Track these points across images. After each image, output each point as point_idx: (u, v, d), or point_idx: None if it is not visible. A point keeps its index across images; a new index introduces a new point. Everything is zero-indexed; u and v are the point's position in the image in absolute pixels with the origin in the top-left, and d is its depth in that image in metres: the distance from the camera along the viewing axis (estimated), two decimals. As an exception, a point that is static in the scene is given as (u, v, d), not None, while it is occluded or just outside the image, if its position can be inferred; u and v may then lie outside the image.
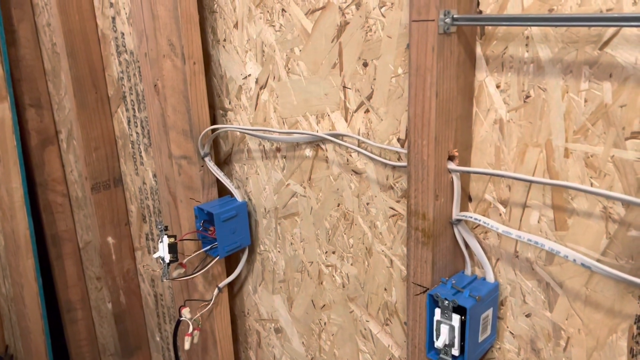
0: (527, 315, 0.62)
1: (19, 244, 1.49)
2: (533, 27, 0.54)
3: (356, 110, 0.72)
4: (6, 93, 1.38)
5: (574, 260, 0.51)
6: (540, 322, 0.61)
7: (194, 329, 0.92)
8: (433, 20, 0.53)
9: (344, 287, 0.83)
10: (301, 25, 0.76)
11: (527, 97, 0.56)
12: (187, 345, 0.90)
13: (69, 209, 1.55)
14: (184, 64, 0.84)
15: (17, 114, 1.42)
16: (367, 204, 0.75)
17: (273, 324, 1.00)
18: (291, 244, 0.90)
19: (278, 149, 0.86)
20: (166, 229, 0.85)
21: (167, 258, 0.83)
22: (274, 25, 0.80)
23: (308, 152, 0.81)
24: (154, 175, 1.17)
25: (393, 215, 0.72)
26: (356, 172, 0.75)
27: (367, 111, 0.71)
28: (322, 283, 0.86)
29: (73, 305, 1.61)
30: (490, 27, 0.57)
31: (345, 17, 0.70)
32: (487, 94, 0.59)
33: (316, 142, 0.80)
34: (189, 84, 0.84)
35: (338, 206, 0.80)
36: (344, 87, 0.73)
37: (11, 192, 1.44)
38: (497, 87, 0.58)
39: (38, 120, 1.46)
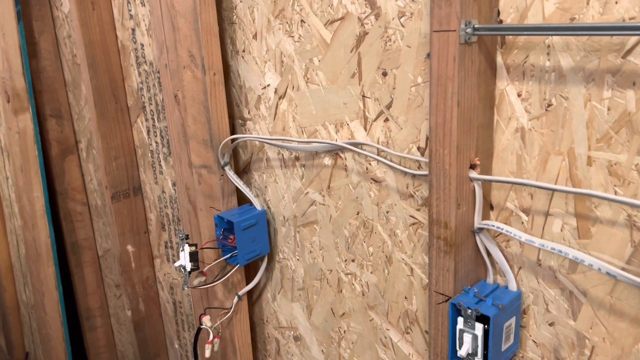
0: (551, 324, 0.62)
1: (39, 252, 1.51)
2: (554, 36, 0.54)
3: (375, 119, 0.73)
4: (28, 104, 1.41)
5: (599, 269, 0.51)
6: (564, 330, 0.61)
7: (214, 337, 0.92)
8: (454, 30, 0.53)
9: (363, 295, 0.83)
10: (320, 36, 0.77)
11: (549, 105, 0.56)
12: (207, 353, 0.91)
13: (88, 217, 1.58)
14: (204, 75, 0.85)
15: (38, 124, 1.44)
16: (387, 212, 0.75)
17: (292, 332, 1.00)
18: (310, 252, 0.90)
19: (297, 158, 0.87)
20: (187, 237, 0.86)
21: (188, 266, 0.84)
22: (293, 36, 0.81)
23: (327, 160, 0.82)
24: (173, 184, 1.18)
25: (413, 224, 0.72)
26: (376, 181, 0.76)
27: (386, 120, 0.71)
28: (341, 291, 0.87)
29: (92, 312, 1.63)
30: (511, 37, 0.57)
31: (364, 27, 0.70)
32: (509, 102, 0.59)
33: (335, 151, 0.80)
34: (209, 94, 0.86)
35: (357, 214, 0.80)
36: (363, 96, 0.73)
37: (32, 201, 1.46)
38: (519, 95, 0.58)
39: (58, 131, 1.49)
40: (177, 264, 0.85)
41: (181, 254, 0.85)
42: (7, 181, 1.80)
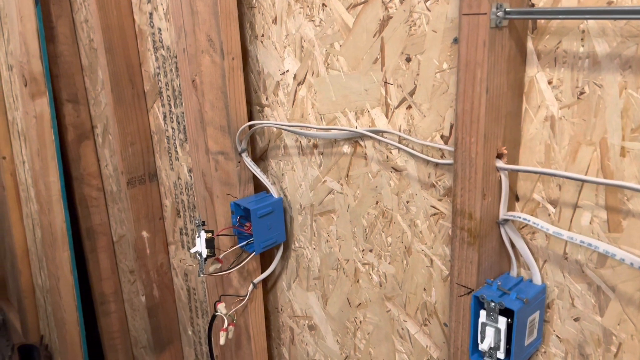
0: (576, 319, 0.60)
1: (55, 237, 1.52)
2: (590, 21, 0.52)
3: (398, 107, 0.71)
4: (45, 88, 1.41)
5: (632, 263, 0.49)
6: (590, 326, 0.59)
7: (228, 325, 0.92)
8: (485, 13, 0.51)
9: (381, 285, 0.82)
10: (342, 20, 0.75)
11: (581, 93, 0.54)
12: (222, 341, 0.91)
13: (103, 202, 1.58)
14: (223, 60, 0.84)
15: (55, 109, 1.44)
16: (407, 202, 0.74)
17: (307, 321, 0.99)
18: (327, 241, 0.89)
19: (315, 146, 0.86)
20: (203, 224, 0.85)
21: (205, 253, 0.83)
22: (313, 20, 0.79)
23: (346, 148, 0.80)
24: (189, 171, 1.17)
25: (434, 214, 0.71)
26: (396, 170, 0.74)
27: (409, 107, 0.70)
28: (358, 281, 0.85)
29: (107, 298, 1.64)
30: (543, 21, 0.55)
31: (388, 11, 0.68)
32: (538, 90, 0.57)
33: (355, 139, 0.79)
34: (227, 79, 0.84)
35: (376, 204, 0.78)
36: (386, 82, 0.72)
37: (49, 186, 1.47)
38: (549, 83, 0.56)
39: (75, 115, 1.48)
40: (193, 250, 0.85)
41: (197, 240, 0.84)
42: (24, 165, 1.81)
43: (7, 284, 2.42)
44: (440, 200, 0.70)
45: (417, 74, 0.67)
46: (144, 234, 1.32)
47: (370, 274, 0.83)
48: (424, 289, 0.75)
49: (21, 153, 1.82)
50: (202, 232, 0.84)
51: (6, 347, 2.20)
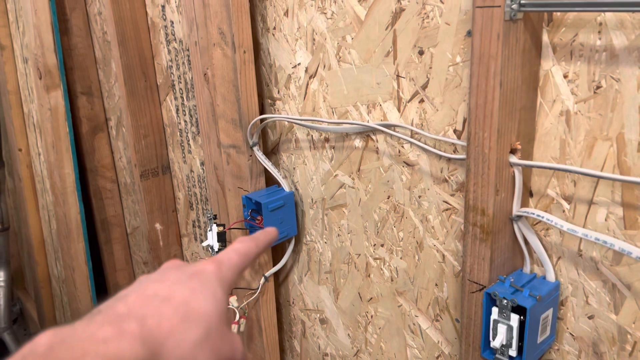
0: (590, 317, 0.59)
1: (70, 228, 1.53)
2: (607, 13, 0.50)
3: (410, 100, 0.70)
4: (59, 81, 1.41)
5: (648, 262, 0.48)
6: (604, 324, 0.58)
7: (240, 317, 0.92)
8: (499, 6, 0.50)
9: (392, 280, 0.81)
10: (354, 13, 0.74)
11: (598, 87, 0.53)
12: (233, 333, 0.91)
13: (117, 194, 1.59)
14: (234, 53, 0.83)
15: (69, 101, 1.45)
16: (419, 197, 0.73)
17: (318, 315, 0.99)
18: (338, 235, 0.89)
19: (327, 139, 0.85)
20: (215, 217, 0.85)
21: (216, 247, 0.83)
22: (325, 13, 0.78)
23: (358, 142, 0.80)
24: (202, 164, 1.18)
25: (447, 209, 0.70)
26: (408, 164, 0.73)
27: (421, 101, 0.69)
28: (369, 276, 0.85)
29: (121, 288, 1.64)
30: (558, 13, 0.54)
31: (400, 3, 0.67)
32: (553, 84, 0.56)
33: (366, 133, 0.78)
34: (239, 72, 0.84)
35: (388, 198, 0.78)
36: (398, 76, 0.71)
37: (63, 178, 1.48)
38: (565, 77, 0.55)
39: (89, 108, 1.49)
40: (205, 243, 0.85)
41: (209, 233, 0.84)
42: (40, 157, 1.83)
43: (24, 274, 2.46)
44: (452, 195, 0.69)
45: (430, 67, 0.66)
46: (157, 226, 1.33)
47: (381, 269, 0.83)
48: (436, 285, 0.75)
49: (37, 145, 1.84)
50: (214, 225, 0.84)
51: (23, 336, 2.24)
